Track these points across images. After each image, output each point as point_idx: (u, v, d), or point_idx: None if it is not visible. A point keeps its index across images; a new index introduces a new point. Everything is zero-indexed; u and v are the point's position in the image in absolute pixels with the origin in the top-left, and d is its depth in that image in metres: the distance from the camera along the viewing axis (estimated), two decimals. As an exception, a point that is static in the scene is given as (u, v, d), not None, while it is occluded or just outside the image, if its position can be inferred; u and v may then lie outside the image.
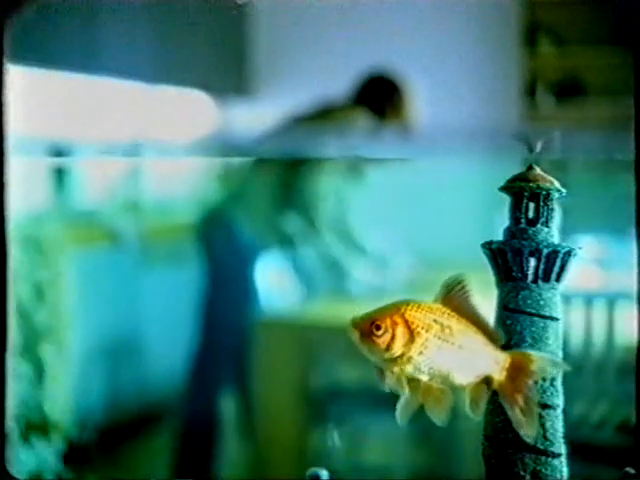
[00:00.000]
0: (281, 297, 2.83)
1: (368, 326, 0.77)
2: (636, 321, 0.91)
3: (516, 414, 0.79)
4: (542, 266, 0.79)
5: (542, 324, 0.80)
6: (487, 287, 0.83)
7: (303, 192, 2.75)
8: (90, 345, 3.31)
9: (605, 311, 2.21)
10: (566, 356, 0.81)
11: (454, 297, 0.79)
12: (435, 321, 0.78)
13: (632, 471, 0.85)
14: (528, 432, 0.79)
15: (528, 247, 0.79)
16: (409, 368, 0.78)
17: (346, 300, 2.72)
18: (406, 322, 0.78)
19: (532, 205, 0.81)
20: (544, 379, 0.79)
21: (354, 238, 2.86)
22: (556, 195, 0.82)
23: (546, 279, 0.80)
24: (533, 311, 0.80)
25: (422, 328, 0.78)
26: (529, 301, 0.80)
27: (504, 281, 0.81)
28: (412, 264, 2.91)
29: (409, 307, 0.78)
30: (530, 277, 0.80)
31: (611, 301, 2.19)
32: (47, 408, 3.08)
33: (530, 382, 0.80)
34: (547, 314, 0.80)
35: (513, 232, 0.81)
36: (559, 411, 0.80)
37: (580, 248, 0.81)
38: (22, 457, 2.91)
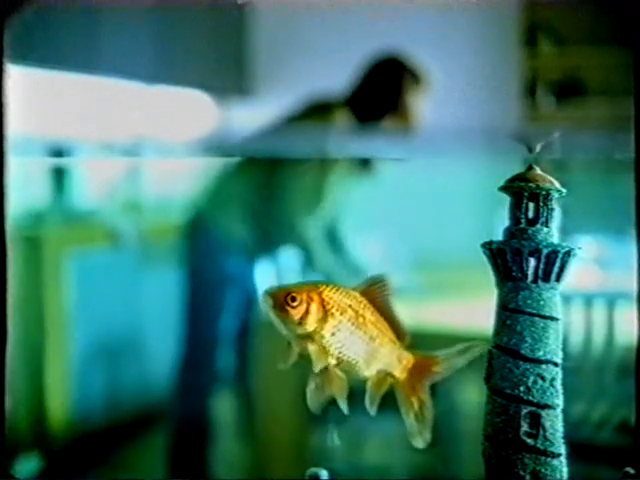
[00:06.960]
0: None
1: (283, 296, 0.77)
2: (636, 321, 0.91)
3: (410, 419, 0.80)
4: (542, 266, 0.79)
5: (542, 324, 0.79)
6: (487, 287, 0.83)
7: (288, 192, 2.70)
8: (89, 345, 3.31)
9: (605, 311, 2.20)
10: (566, 356, 0.81)
11: (374, 290, 0.80)
12: (350, 307, 0.79)
13: (632, 471, 0.85)
14: (419, 441, 0.80)
15: (528, 247, 0.79)
16: (319, 348, 0.78)
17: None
18: (322, 301, 0.78)
19: (532, 205, 0.81)
20: (544, 379, 0.79)
21: (341, 242, 2.83)
22: (556, 195, 0.81)
23: (546, 279, 0.80)
24: (533, 311, 0.79)
25: (337, 310, 0.78)
26: (529, 301, 0.80)
27: (504, 281, 0.81)
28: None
29: (327, 288, 0.79)
30: (530, 277, 0.80)
31: (611, 301, 2.19)
32: (45, 408, 3.08)
33: (427, 385, 0.81)
34: (547, 314, 0.80)
35: (513, 232, 0.81)
36: (559, 411, 0.80)
37: (580, 248, 0.80)
38: (21, 458, 2.91)
